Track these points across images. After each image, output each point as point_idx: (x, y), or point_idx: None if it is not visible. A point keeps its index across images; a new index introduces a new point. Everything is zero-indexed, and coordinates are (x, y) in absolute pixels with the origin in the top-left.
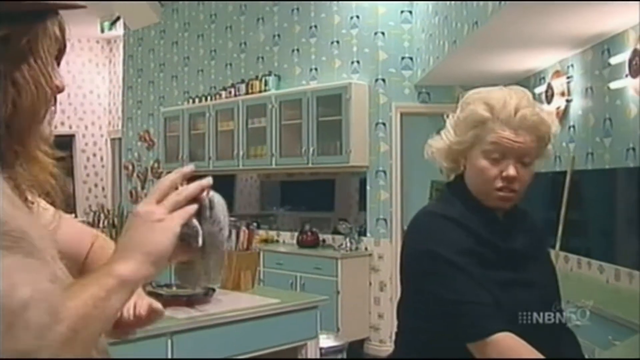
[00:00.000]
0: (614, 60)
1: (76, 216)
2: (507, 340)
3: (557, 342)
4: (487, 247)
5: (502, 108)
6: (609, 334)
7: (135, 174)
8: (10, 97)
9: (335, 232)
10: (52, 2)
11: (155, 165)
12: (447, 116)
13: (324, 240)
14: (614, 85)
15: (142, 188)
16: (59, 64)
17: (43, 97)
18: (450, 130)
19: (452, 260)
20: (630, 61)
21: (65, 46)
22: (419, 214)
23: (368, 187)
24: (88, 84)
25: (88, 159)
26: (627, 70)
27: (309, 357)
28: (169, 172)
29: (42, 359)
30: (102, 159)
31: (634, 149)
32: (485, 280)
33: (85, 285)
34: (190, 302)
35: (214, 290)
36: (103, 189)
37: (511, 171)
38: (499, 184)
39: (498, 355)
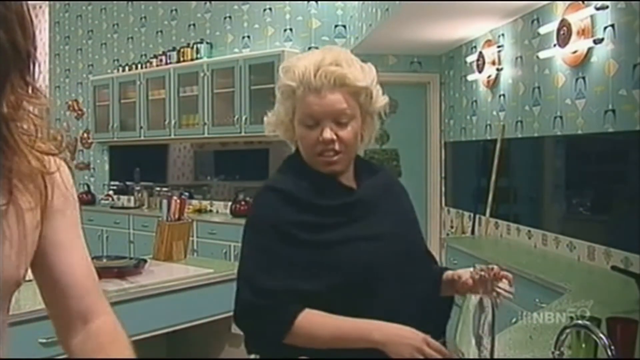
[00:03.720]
0: (542, 30)
1: None
2: (307, 318)
3: (421, 292)
4: (314, 212)
5: (304, 72)
6: (535, 296)
7: (64, 144)
8: None
9: None
10: None
11: (85, 135)
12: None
13: None
14: (542, 54)
15: (72, 159)
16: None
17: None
18: (276, 104)
19: (263, 238)
20: (558, 31)
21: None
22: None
23: None
24: None
25: None
26: (555, 40)
27: None
28: (99, 142)
29: None
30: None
31: (561, 117)
32: (310, 246)
33: None
34: (121, 273)
35: (145, 261)
36: None
37: (326, 134)
38: (319, 148)
39: (307, 335)
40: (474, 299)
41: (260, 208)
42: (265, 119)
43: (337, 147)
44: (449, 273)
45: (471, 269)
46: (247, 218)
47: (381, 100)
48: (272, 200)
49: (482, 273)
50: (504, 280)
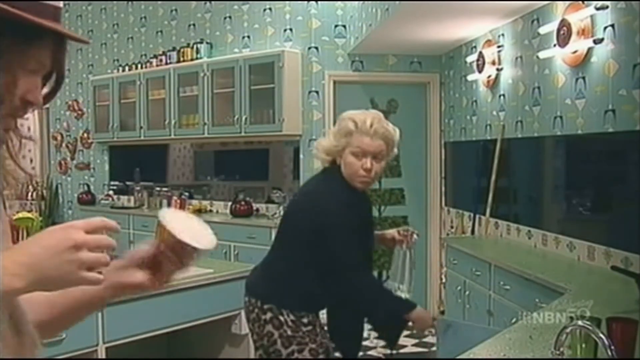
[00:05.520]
0: (542, 30)
1: None
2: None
3: None
4: (358, 213)
5: (363, 123)
6: (535, 296)
7: (64, 145)
8: None
9: (269, 201)
10: (47, 24)
11: (85, 135)
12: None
13: (257, 210)
14: (542, 54)
15: (72, 159)
16: (55, 92)
17: (9, 102)
18: (330, 137)
19: (351, 234)
20: (558, 31)
21: (54, 72)
22: (315, 190)
23: (301, 156)
24: None
25: None
26: (555, 40)
27: (242, 326)
28: (99, 142)
29: None
30: (29, 129)
31: (561, 117)
32: (364, 236)
33: None
34: None
35: None
36: (31, 160)
37: (368, 164)
38: (361, 172)
39: None
40: (397, 249)
41: (335, 211)
42: (318, 140)
43: (371, 174)
44: (377, 233)
45: (396, 230)
46: (320, 219)
47: (395, 151)
48: (340, 206)
49: (405, 233)
50: (414, 236)
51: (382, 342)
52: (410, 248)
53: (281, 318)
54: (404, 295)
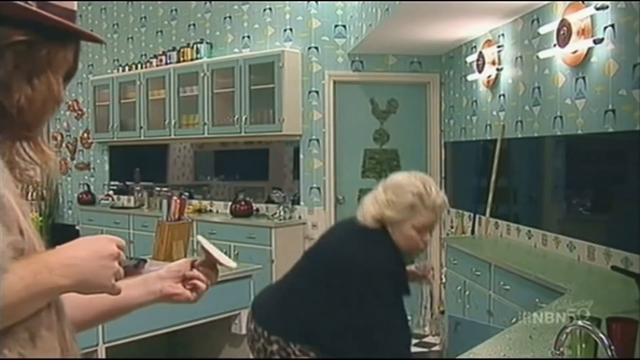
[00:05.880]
0: (542, 30)
1: None
2: None
3: None
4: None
5: (428, 197)
6: (535, 296)
7: (64, 145)
8: (24, 92)
9: (269, 201)
10: (75, 27)
11: (85, 135)
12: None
13: (257, 210)
14: (542, 54)
15: (72, 159)
16: (65, 84)
17: (51, 105)
18: (385, 206)
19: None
20: (558, 31)
21: (74, 70)
22: (365, 250)
23: (301, 156)
24: None
25: None
26: (555, 40)
27: (242, 326)
28: (99, 142)
29: None
30: None
31: (561, 117)
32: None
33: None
34: None
35: (145, 261)
36: None
37: (428, 237)
38: (421, 245)
39: None
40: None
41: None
42: (369, 205)
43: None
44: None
45: (414, 265)
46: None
47: None
48: (395, 272)
49: (422, 268)
50: (431, 271)
51: None
52: (430, 284)
53: (288, 350)
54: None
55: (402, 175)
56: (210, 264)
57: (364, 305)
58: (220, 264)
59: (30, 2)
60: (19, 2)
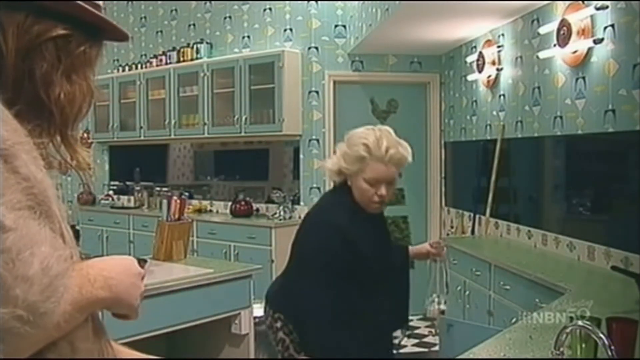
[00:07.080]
0: (542, 30)
1: None
2: None
3: None
4: (366, 243)
5: (377, 148)
6: (535, 296)
7: None
8: (64, 88)
9: (269, 201)
10: (114, 24)
11: (85, 135)
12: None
13: (257, 210)
14: (542, 54)
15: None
16: None
17: (88, 101)
18: (340, 158)
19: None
20: (558, 31)
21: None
22: (320, 211)
23: (301, 156)
24: None
25: None
26: (555, 40)
27: (242, 326)
28: (99, 142)
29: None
30: None
31: (561, 117)
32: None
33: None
34: None
35: (145, 261)
36: None
37: (383, 191)
38: (375, 199)
39: None
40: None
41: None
42: (327, 161)
43: (385, 199)
44: (412, 248)
45: (428, 243)
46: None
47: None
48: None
49: (437, 246)
50: (444, 248)
51: None
52: (445, 260)
53: (290, 326)
54: (440, 306)
55: (362, 128)
56: None
57: (302, 278)
58: None
59: None
60: None
